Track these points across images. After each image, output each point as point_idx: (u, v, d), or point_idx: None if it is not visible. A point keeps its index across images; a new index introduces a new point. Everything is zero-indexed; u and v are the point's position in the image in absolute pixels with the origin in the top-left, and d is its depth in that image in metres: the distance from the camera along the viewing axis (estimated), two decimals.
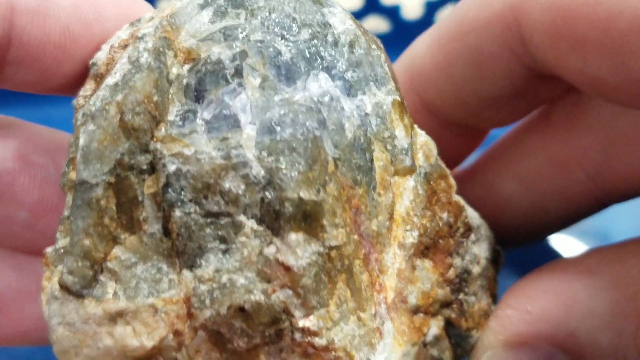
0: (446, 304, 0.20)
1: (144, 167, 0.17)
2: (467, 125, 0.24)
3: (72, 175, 0.18)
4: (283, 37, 0.18)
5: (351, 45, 0.18)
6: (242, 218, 0.17)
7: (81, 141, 0.17)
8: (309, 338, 0.17)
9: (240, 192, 0.16)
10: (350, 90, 0.18)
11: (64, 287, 0.17)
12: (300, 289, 0.16)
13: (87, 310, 0.17)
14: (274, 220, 0.16)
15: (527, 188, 0.24)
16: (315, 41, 0.18)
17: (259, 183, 0.16)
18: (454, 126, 0.24)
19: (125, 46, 0.19)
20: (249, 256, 0.17)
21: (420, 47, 0.23)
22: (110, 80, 0.17)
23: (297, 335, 0.17)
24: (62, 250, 0.18)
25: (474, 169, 0.26)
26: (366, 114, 0.18)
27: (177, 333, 0.17)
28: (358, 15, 0.43)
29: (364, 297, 0.17)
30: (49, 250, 0.18)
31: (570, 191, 0.23)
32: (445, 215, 0.20)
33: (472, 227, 0.20)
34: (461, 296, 0.20)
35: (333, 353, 0.17)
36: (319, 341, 0.17)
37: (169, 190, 0.17)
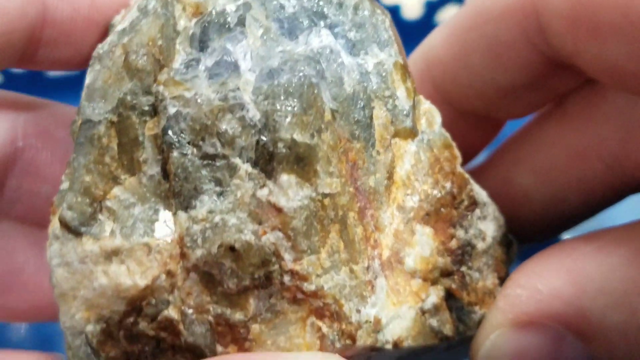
0: (447, 273, 0.20)
1: (146, 108, 0.18)
2: (483, 116, 0.24)
3: (80, 114, 0.18)
4: None
5: (355, 7, 0.19)
6: (237, 161, 0.17)
7: (87, 80, 0.18)
8: (298, 282, 0.17)
9: (236, 133, 0.17)
10: (352, 49, 0.18)
11: (63, 222, 0.17)
12: (290, 231, 0.17)
13: (85, 247, 0.17)
14: (267, 162, 0.17)
15: (544, 181, 0.23)
16: (319, 0, 0.18)
17: (255, 126, 0.17)
18: (470, 117, 0.24)
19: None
20: (242, 198, 0.17)
21: (437, 37, 0.23)
22: (119, 27, 0.18)
23: (286, 279, 0.17)
24: (64, 192, 0.18)
25: (489, 163, 0.25)
26: (367, 72, 0.18)
27: (169, 274, 0.17)
28: None
29: (357, 249, 0.18)
30: (55, 198, 0.19)
31: (588, 182, 0.23)
32: (448, 184, 0.20)
33: (478, 201, 0.20)
34: (464, 269, 0.20)
35: (322, 300, 0.17)
36: (308, 286, 0.17)
37: (169, 132, 0.17)
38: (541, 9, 0.20)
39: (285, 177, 0.17)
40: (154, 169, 0.18)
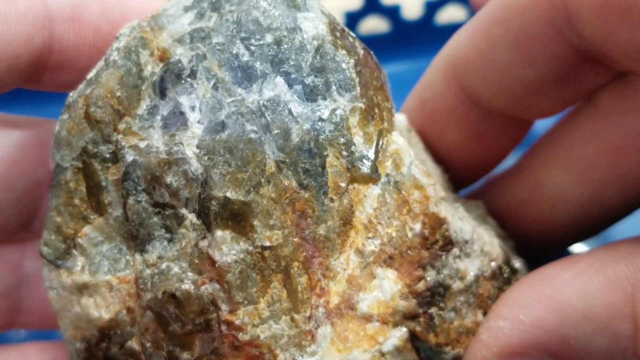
0: (411, 316, 0.19)
1: (107, 155, 0.19)
2: (511, 115, 0.23)
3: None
4: (245, 41, 0.18)
5: (317, 50, 0.19)
6: (184, 211, 0.18)
7: (56, 128, 0.19)
8: (234, 332, 0.18)
9: (180, 186, 0.18)
10: (309, 95, 0.18)
11: (42, 256, 0.19)
12: (225, 284, 0.17)
13: (62, 279, 0.19)
14: (206, 216, 0.18)
15: (581, 179, 0.23)
16: (278, 46, 0.18)
17: (197, 179, 0.18)
18: (496, 117, 0.23)
19: None
20: (185, 247, 0.18)
21: (461, 36, 0.22)
22: (89, 74, 0.19)
23: (223, 328, 0.18)
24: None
25: (519, 167, 0.25)
26: (321, 119, 0.18)
27: (129, 310, 0.19)
28: (358, 15, 0.44)
29: (299, 299, 0.18)
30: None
31: (627, 177, 0.22)
32: (417, 226, 0.19)
33: (455, 241, 0.20)
34: (432, 310, 0.20)
35: (257, 349, 0.18)
36: (243, 336, 0.18)
37: (128, 178, 0.19)
38: None
39: (219, 233, 0.17)
40: (118, 211, 0.19)
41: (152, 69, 0.19)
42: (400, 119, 0.23)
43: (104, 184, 0.19)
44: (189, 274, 0.18)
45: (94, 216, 0.19)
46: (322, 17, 0.19)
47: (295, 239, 0.18)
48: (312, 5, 0.19)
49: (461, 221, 0.20)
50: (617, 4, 0.17)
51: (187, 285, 0.18)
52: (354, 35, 0.20)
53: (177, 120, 0.18)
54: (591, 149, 0.22)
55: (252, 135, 0.18)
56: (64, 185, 0.19)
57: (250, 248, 0.17)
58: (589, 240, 0.27)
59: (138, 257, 0.19)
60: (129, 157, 0.18)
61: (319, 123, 0.18)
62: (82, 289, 0.19)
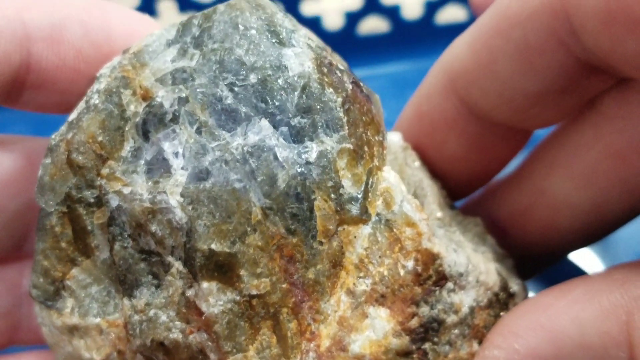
0: (404, 353, 0.19)
1: (92, 200, 0.19)
2: (510, 126, 0.22)
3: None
4: (229, 82, 0.18)
5: (303, 89, 0.18)
6: (170, 258, 0.18)
7: (40, 172, 0.19)
8: None
9: (165, 235, 0.17)
10: (296, 136, 0.18)
11: (32, 297, 0.19)
12: (213, 333, 0.17)
13: (52, 319, 0.19)
14: (192, 265, 0.17)
15: (584, 185, 0.22)
16: (263, 86, 0.18)
17: (182, 228, 0.17)
18: (497, 128, 0.23)
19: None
20: (173, 295, 0.18)
21: (460, 47, 0.22)
22: (70, 116, 0.19)
23: None
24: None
25: (520, 175, 0.24)
26: (308, 163, 0.18)
27: (120, 353, 0.19)
28: (358, 15, 0.43)
29: (289, 344, 0.18)
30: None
31: (631, 182, 0.22)
32: (410, 263, 0.19)
33: (449, 275, 0.19)
34: (427, 345, 0.19)
35: None
36: None
37: (113, 223, 0.18)
38: (572, 9, 0.18)
39: (205, 285, 0.17)
40: (105, 254, 0.19)
41: (134, 108, 0.18)
42: (394, 138, 0.23)
43: (89, 228, 0.19)
44: (177, 322, 0.18)
45: (82, 258, 0.19)
46: (308, 52, 0.19)
47: (284, 285, 0.18)
48: (297, 40, 0.19)
49: (455, 253, 0.20)
50: (623, 15, 0.17)
51: (175, 335, 0.18)
52: (342, 67, 0.19)
53: (160, 166, 0.18)
54: (594, 155, 0.22)
55: (237, 185, 0.17)
56: (49, 230, 0.19)
57: (238, 298, 0.17)
58: (592, 246, 0.26)
59: (126, 301, 0.19)
60: (114, 203, 0.18)
61: (306, 166, 0.18)
62: (73, 330, 0.19)
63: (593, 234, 0.24)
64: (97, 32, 0.20)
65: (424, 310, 0.19)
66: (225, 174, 0.17)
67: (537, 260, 0.24)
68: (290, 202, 0.18)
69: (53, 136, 0.19)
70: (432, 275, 0.19)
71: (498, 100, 0.21)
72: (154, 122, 0.18)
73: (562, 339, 0.19)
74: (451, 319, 0.20)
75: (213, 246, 0.17)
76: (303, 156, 0.18)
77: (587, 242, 0.25)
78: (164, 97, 0.18)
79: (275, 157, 0.18)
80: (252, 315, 0.17)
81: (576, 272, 0.22)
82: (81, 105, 0.19)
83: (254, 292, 0.17)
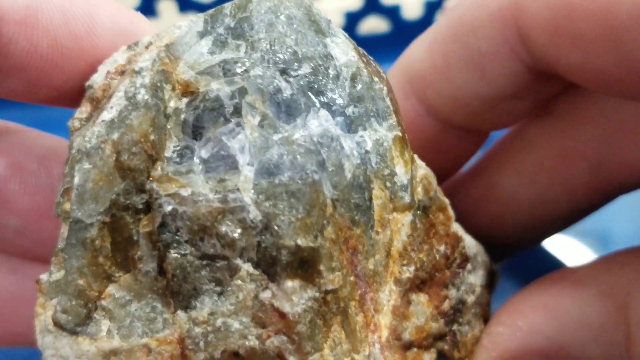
0: (440, 337, 0.20)
1: (140, 206, 0.17)
2: (468, 127, 0.23)
3: (67, 206, 0.17)
4: (284, 72, 0.17)
5: (353, 78, 0.18)
6: (238, 261, 0.16)
7: (76, 180, 0.16)
8: None
9: (236, 235, 0.16)
10: (350, 126, 0.18)
11: (57, 324, 0.17)
12: (295, 335, 0.16)
13: (81, 347, 0.17)
14: (270, 265, 0.16)
15: (530, 182, 0.23)
16: (316, 76, 0.17)
17: (255, 227, 0.16)
18: (454, 129, 0.23)
19: (122, 72, 0.18)
20: (244, 300, 0.16)
21: (418, 49, 0.23)
22: (106, 115, 0.17)
23: None
24: (55, 284, 0.17)
25: (475, 169, 0.25)
26: (366, 152, 0.18)
27: None
28: (358, 15, 0.43)
29: (358, 338, 0.17)
30: (43, 277, 0.18)
31: (573, 183, 0.23)
32: (442, 247, 0.19)
33: (468, 256, 0.20)
34: (455, 327, 0.20)
35: None
36: None
37: (165, 230, 0.17)
38: (521, 19, 0.19)
39: (289, 284, 0.16)
40: (149, 265, 0.17)
41: (174, 104, 0.17)
42: None
43: (135, 237, 0.17)
44: (252, 329, 0.16)
45: (119, 273, 0.17)
46: (347, 41, 0.18)
47: (351, 278, 0.17)
48: (336, 30, 0.19)
49: (467, 235, 0.21)
50: (568, 28, 0.18)
51: (251, 342, 0.16)
52: (372, 58, 0.20)
53: (223, 164, 0.16)
54: (541, 155, 0.23)
55: (315, 177, 0.16)
56: (88, 244, 0.17)
57: (317, 294, 0.16)
58: (592, 246, 0.27)
59: (182, 314, 0.17)
60: (167, 207, 0.16)
61: (365, 155, 0.18)
62: (110, 355, 0.17)
63: (537, 231, 0.25)
64: (78, 23, 0.18)
65: (452, 292, 0.20)
66: (302, 166, 0.16)
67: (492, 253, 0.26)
68: (354, 193, 0.17)
69: (87, 138, 0.17)
70: (457, 258, 0.20)
71: (453, 104, 0.22)
72: (211, 116, 0.17)
73: (563, 317, 0.19)
74: (470, 299, 0.20)
75: (299, 242, 0.16)
76: (361, 145, 0.18)
77: (534, 239, 0.26)
78: (220, 89, 0.17)
79: (342, 147, 0.17)
80: (325, 312, 0.17)
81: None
82: (118, 102, 0.17)
83: (330, 287, 0.17)
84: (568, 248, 0.32)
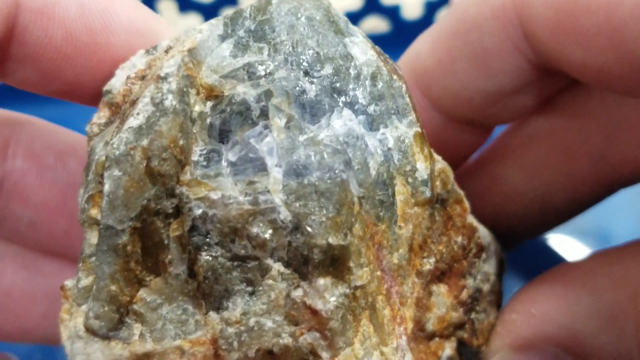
0: (460, 326, 0.20)
1: (170, 211, 0.17)
2: (471, 122, 0.24)
3: (93, 212, 0.17)
4: (307, 74, 0.17)
5: (373, 77, 0.18)
6: (269, 261, 0.17)
7: (107, 187, 0.16)
8: None
9: (267, 236, 0.16)
10: (372, 124, 0.18)
11: (90, 330, 0.17)
12: (327, 331, 0.17)
13: (114, 352, 0.17)
14: (301, 264, 0.16)
15: (532, 177, 0.24)
16: (338, 76, 0.18)
17: (286, 227, 0.16)
18: (458, 124, 0.24)
19: (142, 77, 0.18)
20: (277, 299, 0.17)
21: (422, 45, 0.23)
22: (133, 122, 0.17)
23: None
24: (84, 290, 0.18)
25: (479, 162, 0.26)
26: (389, 149, 0.18)
27: None
28: (358, 15, 0.43)
29: (386, 331, 0.18)
30: (68, 283, 0.18)
31: (574, 178, 0.23)
32: (459, 238, 0.20)
33: (483, 246, 0.21)
34: (473, 315, 0.20)
35: None
36: None
37: (195, 233, 0.17)
38: (524, 16, 0.19)
39: (322, 282, 0.16)
40: (179, 268, 0.17)
41: (199, 108, 0.17)
42: None
43: (165, 241, 0.17)
44: (286, 327, 0.17)
45: (150, 277, 0.17)
46: (365, 41, 0.19)
47: (378, 273, 0.18)
48: (353, 29, 0.19)
49: (480, 225, 0.21)
50: (570, 25, 0.18)
51: (285, 339, 0.17)
52: (387, 55, 0.20)
53: (251, 166, 0.17)
54: (544, 149, 0.23)
55: (343, 176, 0.17)
56: (120, 250, 0.17)
57: (347, 291, 0.17)
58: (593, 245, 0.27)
59: (214, 315, 0.17)
60: (197, 210, 0.17)
61: (388, 152, 0.18)
62: (143, 359, 0.17)
63: (537, 224, 0.25)
64: (95, 18, 0.18)
65: (470, 282, 0.20)
66: (330, 166, 0.17)
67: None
68: (378, 190, 0.18)
69: (115, 144, 0.17)
70: (473, 248, 0.20)
71: (457, 99, 0.22)
72: (238, 120, 0.17)
73: (575, 305, 0.20)
74: (486, 287, 0.21)
75: (330, 240, 0.16)
76: (384, 142, 0.18)
77: (535, 231, 0.26)
78: (246, 93, 0.17)
79: (366, 145, 0.18)
80: (354, 308, 0.17)
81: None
82: (145, 108, 0.17)
83: (359, 282, 0.17)
84: (569, 247, 0.32)
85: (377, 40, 0.45)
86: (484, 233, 0.21)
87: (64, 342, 0.18)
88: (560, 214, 0.25)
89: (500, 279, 0.22)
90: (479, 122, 0.24)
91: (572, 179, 0.23)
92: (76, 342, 0.17)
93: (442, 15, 0.23)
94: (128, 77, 0.18)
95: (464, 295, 0.20)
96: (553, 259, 0.30)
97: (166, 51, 0.18)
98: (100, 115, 0.19)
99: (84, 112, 0.20)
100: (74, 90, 0.19)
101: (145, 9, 0.19)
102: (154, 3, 0.41)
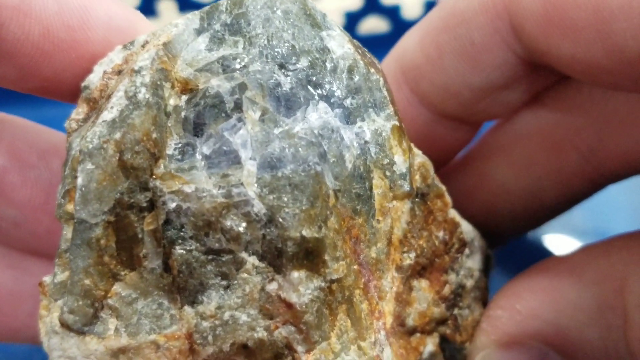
0: (442, 321, 0.20)
1: (144, 204, 0.17)
2: (460, 118, 0.24)
3: (69, 207, 0.17)
4: (282, 67, 0.17)
5: (350, 70, 0.18)
6: (243, 255, 0.17)
7: (79, 180, 0.16)
8: None
9: (241, 229, 0.16)
10: (349, 117, 0.18)
11: (64, 325, 0.17)
12: (302, 325, 0.16)
13: (89, 346, 0.17)
14: (276, 257, 0.16)
15: (521, 173, 0.24)
16: (314, 69, 0.18)
17: (260, 220, 0.16)
18: (447, 120, 0.24)
19: (119, 72, 0.18)
20: (251, 293, 0.17)
21: (411, 40, 0.23)
22: (107, 115, 0.17)
23: None
24: (60, 285, 0.17)
25: (467, 159, 0.26)
26: (365, 142, 0.18)
27: None
28: (358, 15, 0.43)
29: (364, 325, 0.18)
30: (46, 279, 0.18)
31: (564, 173, 0.23)
32: (441, 233, 0.20)
33: (466, 241, 0.20)
34: (456, 311, 0.20)
35: None
36: None
37: (169, 227, 0.17)
38: (513, 10, 0.19)
39: (295, 274, 0.16)
40: (154, 263, 0.17)
41: (174, 102, 0.17)
42: None
43: (140, 235, 0.17)
44: (260, 320, 0.17)
45: (125, 272, 0.17)
46: (342, 34, 0.19)
47: (355, 266, 0.18)
48: (330, 23, 0.19)
49: (464, 221, 0.21)
50: (559, 19, 0.18)
51: (259, 333, 0.17)
52: (366, 49, 0.20)
53: (225, 159, 0.17)
54: (532, 145, 0.23)
55: (318, 168, 0.17)
56: (94, 244, 0.17)
57: (323, 284, 0.17)
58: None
59: (189, 309, 0.17)
60: (171, 204, 0.17)
61: (364, 145, 0.18)
62: (119, 354, 0.17)
63: (528, 220, 0.25)
64: (72, 15, 0.18)
65: (452, 277, 0.20)
66: (304, 159, 0.17)
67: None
68: (355, 183, 0.18)
69: (89, 138, 0.17)
70: (455, 243, 0.20)
71: (445, 94, 0.22)
72: (212, 113, 0.17)
73: (561, 301, 0.19)
74: (470, 283, 0.21)
75: (304, 233, 0.16)
76: (360, 135, 0.18)
77: (525, 227, 0.26)
78: (220, 86, 0.17)
79: (342, 138, 0.17)
80: (331, 302, 0.17)
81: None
82: (119, 102, 0.17)
83: (335, 276, 0.17)
84: (564, 245, 0.32)
85: (377, 40, 0.45)
86: (467, 229, 0.21)
87: (42, 339, 0.18)
88: (550, 210, 0.25)
89: (486, 275, 0.22)
90: (467, 118, 0.23)
91: (562, 174, 0.23)
92: (53, 338, 0.17)
93: (431, 11, 0.22)
94: (105, 72, 0.18)
95: (446, 290, 0.20)
96: (544, 257, 0.30)
97: (143, 46, 0.18)
98: (79, 111, 0.19)
99: (66, 112, 0.20)
100: (53, 87, 0.19)
101: (123, 5, 0.19)
102: (154, 3, 0.41)
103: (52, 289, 0.18)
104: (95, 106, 0.18)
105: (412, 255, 0.19)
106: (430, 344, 0.20)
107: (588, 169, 0.23)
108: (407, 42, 0.23)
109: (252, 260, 0.17)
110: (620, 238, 0.20)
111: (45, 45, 0.18)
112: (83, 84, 0.19)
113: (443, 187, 0.20)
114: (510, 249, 0.27)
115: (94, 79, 0.18)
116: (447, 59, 0.21)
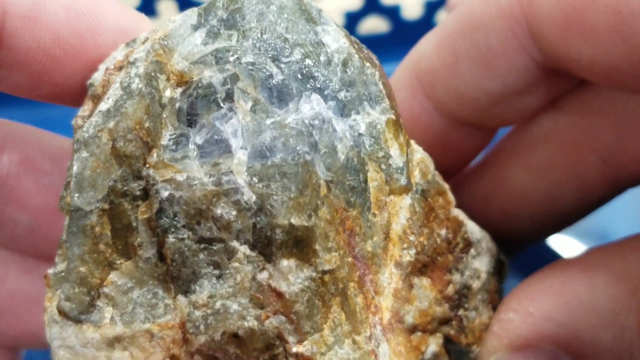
0: (445, 321, 0.20)
1: (137, 193, 0.17)
2: (476, 124, 0.23)
3: (69, 199, 0.18)
4: (275, 59, 0.18)
5: (344, 64, 0.18)
6: (234, 244, 0.17)
7: (75, 168, 0.17)
8: None
9: (232, 218, 0.16)
10: (343, 110, 0.18)
11: (62, 312, 0.17)
12: (293, 314, 0.16)
13: (86, 335, 0.17)
14: (265, 246, 0.16)
15: (540, 177, 0.23)
16: (307, 61, 0.18)
17: (250, 209, 0.16)
18: (462, 126, 0.23)
19: (120, 68, 0.19)
20: (242, 282, 0.17)
21: (427, 46, 0.23)
22: (103, 106, 0.17)
23: None
24: (60, 275, 0.18)
25: (484, 164, 0.25)
26: (360, 134, 0.18)
27: (173, 358, 0.17)
28: (358, 15, 0.43)
29: (358, 319, 0.17)
30: (50, 271, 0.18)
31: (584, 177, 0.23)
32: (443, 231, 0.20)
33: (472, 241, 0.20)
34: (461, 312, 0.20)
35: None
36: None
37: (163, 216, 0.17)
38: (531, 15, 0.19)
39: (285, 263, 0.16)
40: (149, 252, 0.17)
41: (170, 94, 0.18)
42: None
43: (134, 224, 0.17)
44: (251, 309, 0.17)
45: (121, 261, 0.17)
46: (338, 29, 0.19)
47: (349, 259, 0.17)
48: (326, 19, 0.19)
49: (470, 222, 0.21)
50: (578, 22, 0.18)
51: (250, 322, 0.17)
52: (364, 45, 0.20)
53: (217, 148, 0.17)
54: (551, 149, 0.23)
55: (307, 157, 0.17)
56: (88, 231, 0.17)
57: (314, 274, 0.17)
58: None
59: (182, 299, 0.17)
60: (164, 192, 0.17)
61: (358, 138, 0.18)
62: (114, 342, 0.17)
63: (547, 225, 0.25)
64: (82, 20, 0.19)
65: (456, 277, 0.20)
66: (294, 148, 0.17)
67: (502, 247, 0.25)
68: (348, 175, 0.18)
69: (85, 128, 0.17)
70: (460, 243, 0.20)
71: (461, 99, 0.22)
72: (204, 103, 0.17)
73: (574, 302, 0.19)
74: (476, 284, 0.20)
75: (292, 220, 0.16)
76: (354, 128, 0.18)
77: (544, 233, 0.26)
78: (212, 77, 0.17)
79: (334, 129, 0.17)
80: (324, 293, 0.17)
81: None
82: (114, 92, 0.17)
83: (327, 267, 0.17)
84: (569, 247, 0.31)
85: (377, 40, 0.45)
86: (473, 229, 0.21)
87: (45, 330, 0.18)
88: (570, 215, 0.24)
89: (497, 279, 0.22)
90: (482, 124, 0.23)
91: (581, 178, 0.23)
92: (53, 327, 0.18)
93: (447, 16, 0.22)
94: (107, 69, 0.19)
95: (450, 290, 0.20)
96: (553, 260, 0.30)
97: (143, 42, 0.19)
98: (85, 108, 0.19)
99: (67, 112, 0.20)
100: (65, 92, 0.20)
101: (129, 9, 0.20)
102: (154, 3, 0.42)
103: (54, 279, 0.18)
104: (99, 102, 0.19)
105: (412, 252, 0.19)
106: (434, 344, 0.19)
107: (608, 173, 0.22)
108: (423, 47, 0.23)
109: (243, 250, 0.17)
110: (634, 239, 0.20)
111: (56, 51, 0.19)
112: (89, 82, 0.19)
113: (445, 185, 0.20)
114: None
115: (98, 77, 0.19)
116: (463, 65, 0.21)
